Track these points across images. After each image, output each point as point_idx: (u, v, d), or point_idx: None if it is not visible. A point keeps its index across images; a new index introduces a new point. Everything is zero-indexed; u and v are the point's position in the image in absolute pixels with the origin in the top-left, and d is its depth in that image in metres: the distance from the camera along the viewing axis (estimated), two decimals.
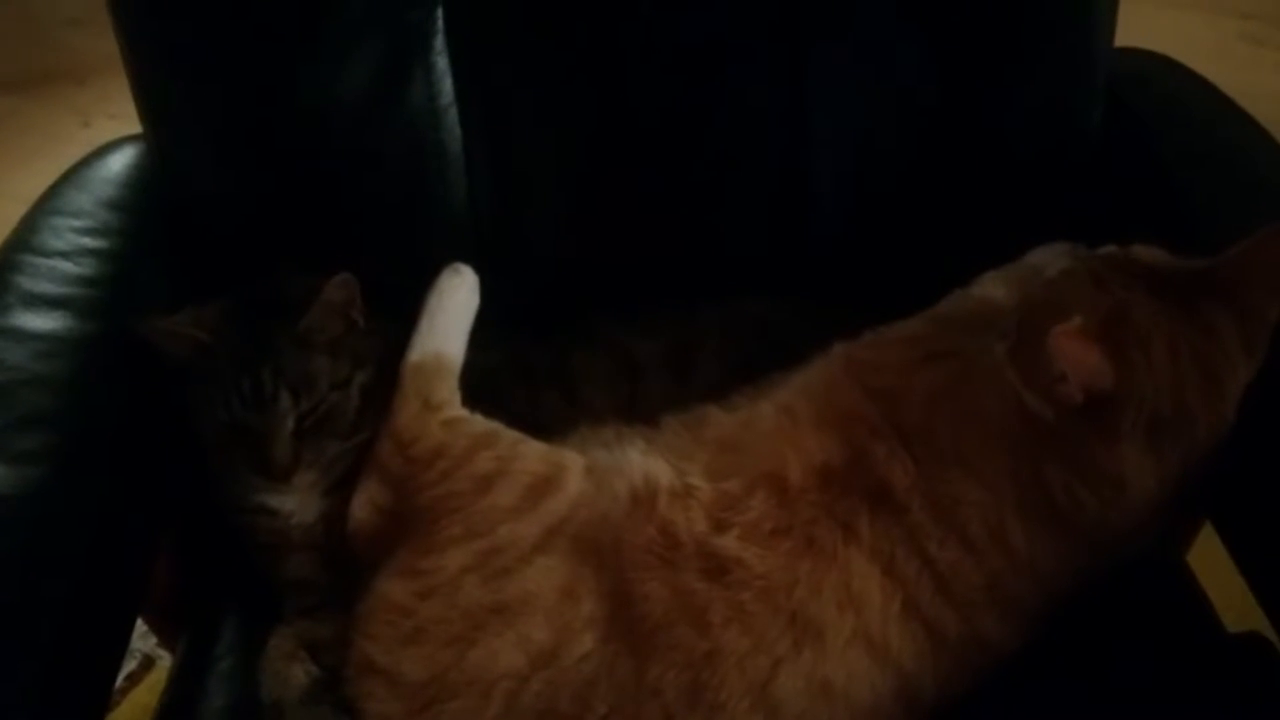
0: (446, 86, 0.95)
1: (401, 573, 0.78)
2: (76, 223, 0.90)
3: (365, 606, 0.78)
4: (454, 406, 0.85)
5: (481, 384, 0.88)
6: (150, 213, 0.95)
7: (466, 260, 0.91)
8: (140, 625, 0.89)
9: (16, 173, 2.04)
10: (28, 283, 0.85)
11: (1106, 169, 0.98)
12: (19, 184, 0.98)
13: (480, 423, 0.84)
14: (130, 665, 1.34)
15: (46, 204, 0.93)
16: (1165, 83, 1.02)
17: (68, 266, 0.87)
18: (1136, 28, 1.02)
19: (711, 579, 0.74)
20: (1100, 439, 0.74)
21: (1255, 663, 0.84)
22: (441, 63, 0.95)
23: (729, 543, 0.75)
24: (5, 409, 0.77)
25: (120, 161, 0.98)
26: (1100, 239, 0.85)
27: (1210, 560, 0.92)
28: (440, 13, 0.94)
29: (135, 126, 0.98)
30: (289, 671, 0.79)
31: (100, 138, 1.03)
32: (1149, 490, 0.75)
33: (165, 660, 1.35)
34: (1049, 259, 0.88)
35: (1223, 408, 0.75)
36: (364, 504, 0.83)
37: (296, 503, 0.86)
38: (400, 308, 0.89)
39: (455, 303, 0.89)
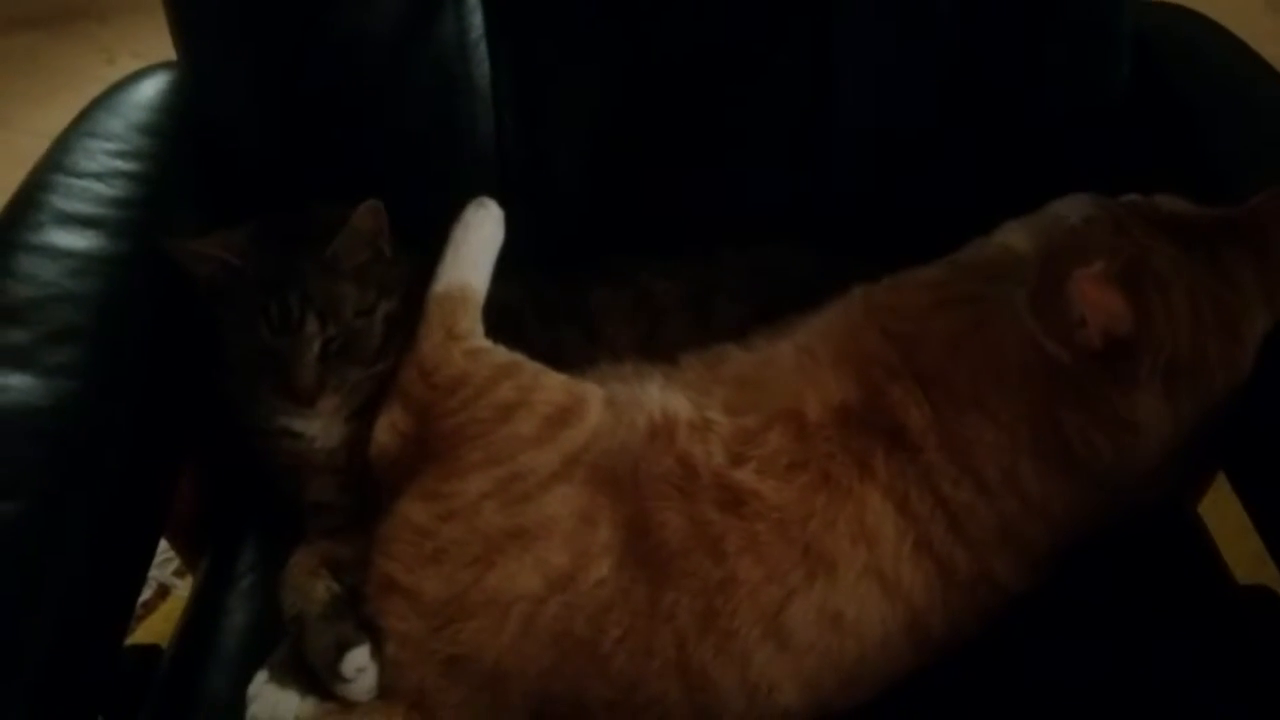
0: (477, 20, 0.95)
1: (423, 495, 0.79)
2: (109, 145, 0.91)
3: (386, 527, 0.79)
4: (477, 337, 0.85)
5: (503, 318, 0.89)
6: (182, 138, 0.95)
7: (492, 194, 0.91)
8: (158, 554, 0.91)
9: (40, 109, 2.05)
10: (61, 202, 0.86)
11: (1133, 121, 0.98)
12: (43, 120, 0.99)
13: (502, 353, 0.85)
14: (146, 593, 1.36)
15: (80, 127, 0.93)
16: (1192, 36, 1.01)
17: (100, 188, 0.88)
18: None
19: (727, 510, 0.75)
20: (1117, 385, 0.74)
21: (1263, 616, 0.85)
22: None
23: (746, 475, 0.76)
24: (38, 323, 0.78)
25: (153, 87, 0.98)
26: (1125, 191, 0.85)
27: (1223, 514, 0.92)
28: None
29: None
30: (310, 586, 0.80)
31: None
32: (1164, 437, 0.75)
33: (181, 589, 1.37)
34: (1071, 209, 0.88)
35: (1241, 357, 0.76)
36: (386, 429, 0.84)
37: (319, 427, 0.87)
38: (426, 239, 0.89)
39: (481, 236, 0.90)
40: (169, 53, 0.98)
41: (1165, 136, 0.96)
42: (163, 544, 0.95)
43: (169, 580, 1.38)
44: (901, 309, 0.84)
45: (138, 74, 1.00)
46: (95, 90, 1.00)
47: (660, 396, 0.81)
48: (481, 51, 0.96)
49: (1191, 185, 0.83)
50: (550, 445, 0.79)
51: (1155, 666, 0.80)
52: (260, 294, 0.82)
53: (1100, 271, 0.72)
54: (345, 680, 0.76)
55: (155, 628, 1.34)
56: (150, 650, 0.91)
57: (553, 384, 0.82)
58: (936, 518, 0.76)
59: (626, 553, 0.75)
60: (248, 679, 0.78)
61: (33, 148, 0.93)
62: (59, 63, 2.21)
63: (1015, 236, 0.88)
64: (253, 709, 0.77)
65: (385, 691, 0.76)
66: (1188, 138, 0.94)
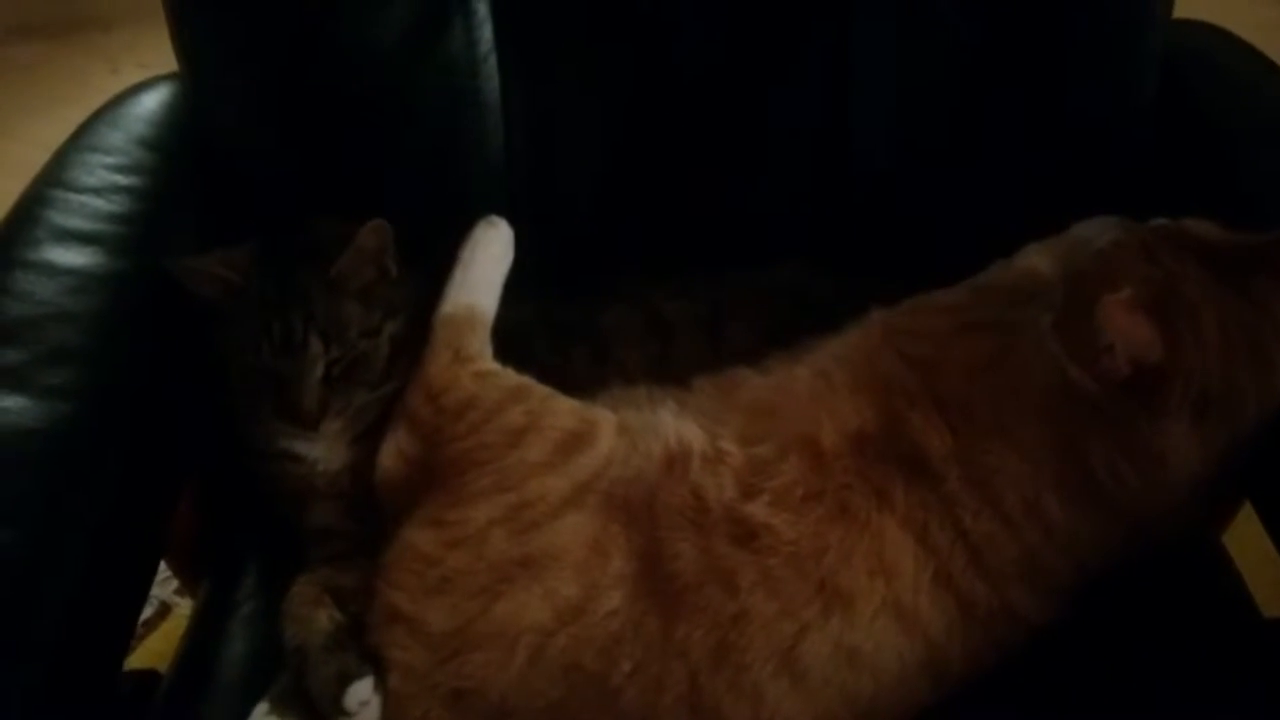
0: (486, 34, 0.94)
1: (428, 523, 0.77)
2: (109, 159, 0.90)
3: (391, 555, 0.77)
4: (486, 359, 0.84)
5: (512, 338, 0.87)
6: (183, 152, 0.94)
7: (500, 212, 0.90)
8: (159, 572, 0.89)
9: (43, 120, 2.04)
10: (59, 218, 0.84)
11: (1160, 142, 0.96)
12: (46, 131, 0.98)
13: (512, 376, 0.83)
14: (147, 612, 1.35)
15: (79, 140, 0.92)
16: (1221, 55, 1.00)
17: (99, 203, 0.86)
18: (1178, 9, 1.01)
19: (739, 544, 0.73)
20: (1145, 414, 0.72)
21: None
22: (482, 9, 0.94)
23: (758, 509, 0.74)
24: (34, 343, 0.77)
25: (154, 100, 0.97)
26: (1151, 213, 0.84)
27: (1244, 543, 0.91)
28: None
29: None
30: (313, 617, 0.79)
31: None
32: (1192, 468, 0.73)
33: (182, 607, 1.35)
34: (1096, 232, 0.87)
35: (1272, 387, 0.74)
36: (392, 453, 0.82)
37: (323, 450, 0.86)
38: (433, 258, 0.88)
39: (489, 256, 0.88)
40: (175, 64, 0.96)
41: (1191, 155, 0.95)
42: (163, 563, 0.93)
43: (170, 599, 1.37)
44: (921, 333, 0.82)
45: (139, 86, 0.99)
46: (99, 101, 0.99)
47: (674, 424, 0.80)
48: (491, 66, 0.95)
49: (1218, 205, 0.82)
50: (561, 472, 0.77)
51: (1179, 698, 0.78)
52: (262, 314, 0.81)
53: (1129, 298, 0.70)
54: (348, 714, 0.74)
55: (156, 647, 1.32)
56: (149, 675, 0.89)
57: (563, 409, 0.80)
58: (957, 550, 0.74)
59: (639, 584, 0.73)
60: (247, 710, 0.77)
61: (35, 159, 0.92)
62: (63, 73, 2.21)
63: (1038, 260, 0.87)
64: None
65: None
66: (1214, 156, 0.92)
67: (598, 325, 0.92)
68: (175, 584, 1.36)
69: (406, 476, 0.82)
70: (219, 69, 0.94)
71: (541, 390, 0.82)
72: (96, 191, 0.87)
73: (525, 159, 0.97)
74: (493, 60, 0.95)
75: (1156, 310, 0.71)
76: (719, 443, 0.78)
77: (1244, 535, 0.92)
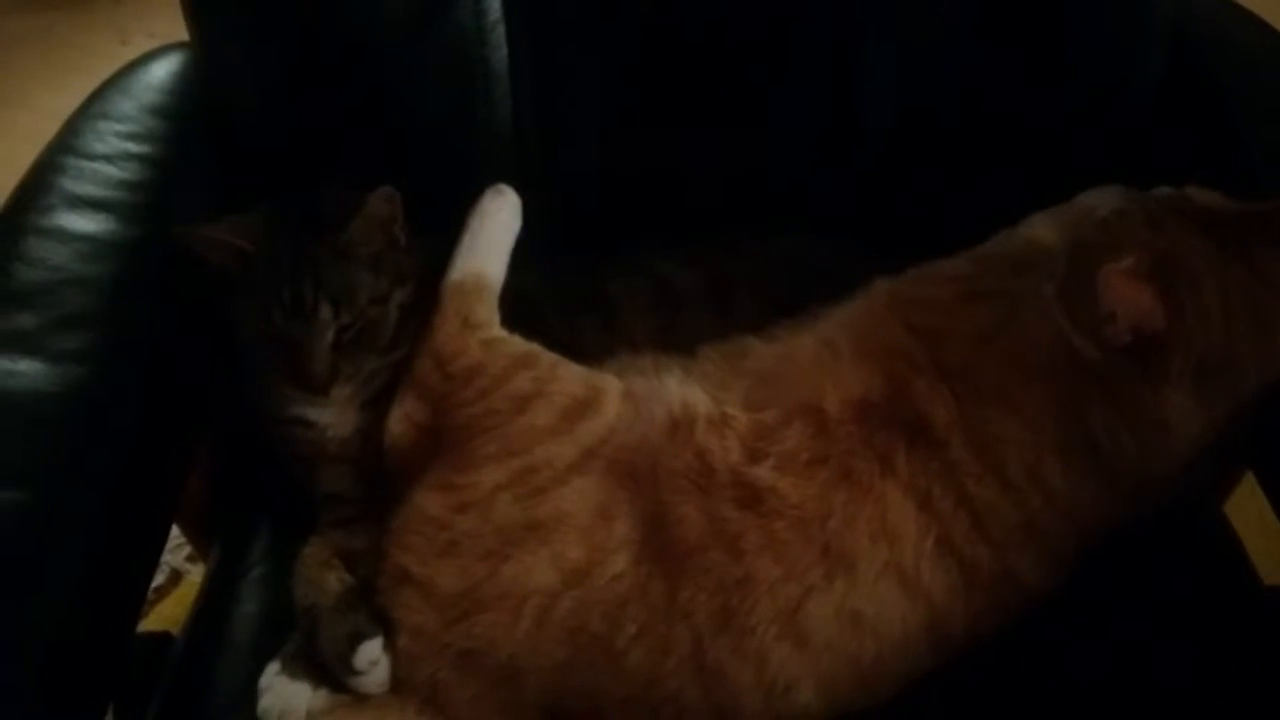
0: (495, 3, 0.94)
1: (437, 487, 0.78)
2: (120, 127, 0.90)
3: (400, 519, 0.78)
4: (493, 326, 0.84)
5: (519, 306, 0.88)
6: (194, 120, 0.94)
7: (508, 181, 0.90)
8: (171, 539, 0.90)
9: (54, 89, 2.04)
10: (71, 184, 0.85)
11: (1165, 110, 0.96)
12: (56, 100, 0.98)
13: (519, 343, 0.84)
14: (159, 579, 1.36)
15: (91, 108, 0.93)
16: (1228, 26, 0.99)
17: (111, 170, 0.87)
18: None
19: (745, 507, 0.74)
20: (1146, 382, 0.73)
21: None
22: None
23: (763, 472, 0.75)
24: (47, 307, 0.77)
25: (165, 69, 0.97)
26: (1156, 182, 0.84)
27: (1246, 513, 0.91)
28: None
29: None
30: (323, 578, 0.80)
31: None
32: (1193, 436, 0.74)
33: (194, 575, 1.37)
34: (1101, 201, 0.87)
35: (1273, 356, 0.74)
36: (401, 419, 0.83)
37: (333, 416, 0.87)
38: (441, 227, 0.88)
39: (497, 224, 0.89)
40: (184, 33, 0.97)
41: (1196, 124, 0.94)
42: (175, 529, 0.94)
43: (182, 566, 1.38)
44: (926, 302, 0.82)
45: (150, 54, 0.99)
46: (109, 70, 0.99)
47: (679, 390, 0.80)
48: (499, 35, 0.95)
49: (1224, 178, 0.81)
50: (567, 438, 0.78)
51: (1180, 666, 0.79)
52: (273, 281, 0.81)
53: (1131, 266, 0.70)
54: (358, 673, 0.75)
55: (168, 613, 1.34)
56: (162, 638, 0.90)
57: (570, 375, 0.81)
58: (959, 515, 0.74)
59: (644, 548, 0.74)
60: (259, 670, 0.78)
61: (45, 128, 0.92)
62: (73, 43, 2.20)
63: (1042, 229, 0.87)
64: (264, 701, 0.76)
65: (397, 685, 0.76)
66: (1219, 125, 0.92)
67: (605, 294, 0.92)
68: (187, 551, 1.38)
69: (415, 442, 0.82)
70: (229, 39, 0.94)
71: (549, 357, 0.82)
72: (108, 158, 0.88)
73: (533, 128, 0.97)
74: (501, 30, 0.95)
75: (1158, 279, 0.71)
76: (724, 408, 0.79)
77: (1245, 504, 0.92)
